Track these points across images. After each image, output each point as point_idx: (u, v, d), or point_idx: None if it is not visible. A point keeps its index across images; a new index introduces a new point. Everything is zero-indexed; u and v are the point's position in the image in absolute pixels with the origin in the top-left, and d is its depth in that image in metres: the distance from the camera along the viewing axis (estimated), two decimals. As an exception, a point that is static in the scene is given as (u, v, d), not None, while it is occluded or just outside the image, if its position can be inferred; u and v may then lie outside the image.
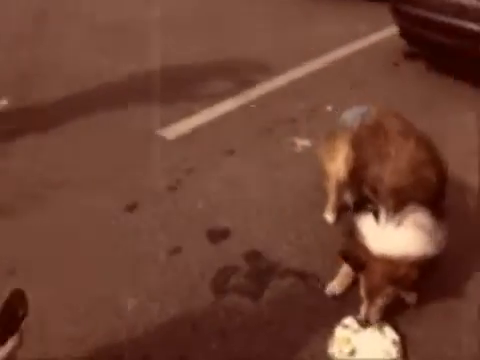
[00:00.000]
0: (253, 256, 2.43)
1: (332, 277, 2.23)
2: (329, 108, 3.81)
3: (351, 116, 2.38)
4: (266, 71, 4.38)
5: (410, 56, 4.73)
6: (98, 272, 2.31)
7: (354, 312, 2.04)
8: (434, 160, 2.01)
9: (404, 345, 1.95)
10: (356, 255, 1.91)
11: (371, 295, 1.90)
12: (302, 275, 2.32)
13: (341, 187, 2.43)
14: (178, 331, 2.04)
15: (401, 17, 4.26)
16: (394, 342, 1.94)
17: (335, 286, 2.21)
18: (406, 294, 2.09)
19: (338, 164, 2.33)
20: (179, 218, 2.69)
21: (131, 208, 2.76)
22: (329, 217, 2.64)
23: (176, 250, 2.47)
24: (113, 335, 2.01)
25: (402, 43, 4.81)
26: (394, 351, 1.91)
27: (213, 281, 2.29)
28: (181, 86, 4.08)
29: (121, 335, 2.01)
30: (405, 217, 1.84)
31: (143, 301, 2.17)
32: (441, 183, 2.00)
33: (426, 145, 2.04)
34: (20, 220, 2.61)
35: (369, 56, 4.79)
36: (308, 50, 4.83)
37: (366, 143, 2.13)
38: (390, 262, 1.81)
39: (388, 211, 1.86)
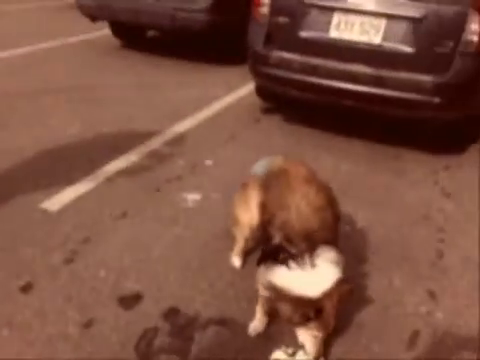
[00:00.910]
0: (171, 313, 2.43)
1: (251, 317, 2.35)
2: (208, 162, 4.04)
3: (261, 166, 2.56)
4: (139, 135, 4.47)
5: (267, 111, 5.29)
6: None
7: (279, 344, 2.18)
8: (331, 202, 2.26)
9: (328, 365, 2.14)
10: (302, 313, 1.98)
11: (326, 329, 2.03)
12: (223, 322, 2.38)
13: (252, 234, 2.58)
14: (112, 406, 1.93)
15: (260, 76, 4.75)
16: (320, 362, 2.11)
17: (256, 325, 2.32)
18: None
19: (251, 212, 2.46)
20: (83, 290, 2.56)
21: (26, 289, 2.54)
22: (236, 261, 2.76)
23: (88, 323, 2.34)
24: None
25: (258, 101, 5.37)
26: (322, 372, 2.07)
27: (136, 347, 2.22)
28: (57, 157, 3.94)
29: None
30: (319, 256, 2.00)
31: (65, 384, 2.01)
32: (337, 224, 2.25)
33: (324, 190, 2.28)
34: None
35: (232, 115, 5.21)
36: (173, 113, 5.07)
37: (272, 190, 2.30)
38: (330, 295, 1.94)
39: (302, 254, 1.99)
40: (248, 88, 5.79)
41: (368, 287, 2.68)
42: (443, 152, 4.46)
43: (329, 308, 1.96)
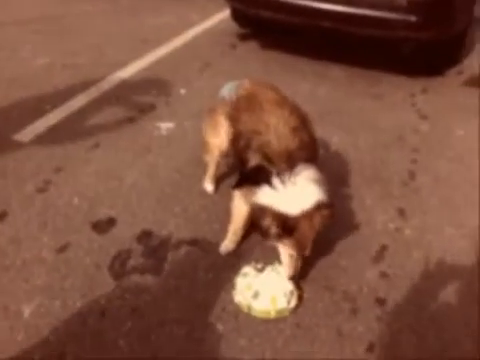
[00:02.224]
0: (144, 236, 2.47)
1: (223, 237, 2.40)
2: (182, 91, 3.96)
3: (227, 90, 2.51)
4: (111, 64, 4.33)
5: (244, 38, 5.12)
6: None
7: (249, 261, 2.25)
8: (306, 124, 2.25)
9: (296, 278, 2.21)
10: (278, 223, 1.96)
11: (302, 250, 2.04)
12: (195, 242, 2.44)
13: (222, 158, 2.59)
14: (88, 322, 2.00)
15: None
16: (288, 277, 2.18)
17: (227, 244, 2.38)
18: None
19: (220, 136, 2.46)
20: (57, 217, 2.57)
21: (0, 218, 2.55)
22: (209, 187, 2.79)
23: (63, 248, 2.37)
24: (15, 346, 1.89)
25: (235, 27, 5.18)
26: (290, 284, 2.14)
27: (110, 268, 2.27)
28: (27, 90, 3.82)
29: (24, 342, 1.91)
30: (298, 174, 2.01)
31: (41, 303, 2.07)
32: (315, 143, 2.26)
33: (297, 112, 2.26)
34: None
35: (207, 41, 5.06)
36: (148, 41, 4.91)
37: (245, 114, 2.26)
38: (308, 215, 1.95)
39: (282, 173, 2.00)
40: (223, 15, 5.58)
41: (339, 207, 2.72)
42: (421, 75, 4.41)
43: (305, 228, 1.97)
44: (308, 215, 1.96)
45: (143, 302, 2.10)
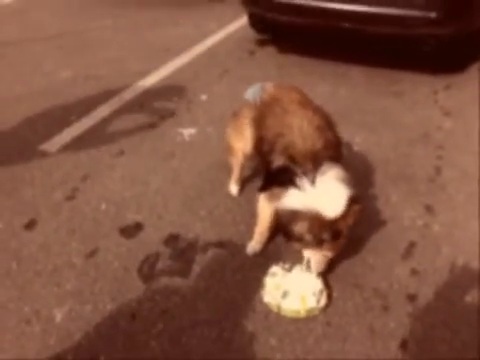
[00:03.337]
0: (171, 239, 2.49)
1: (249, 239, 2.40)
2: (203, 97, 4.00)
3: (252, 93, 2.53)
4: (132, 75, 4.41)
5: (262, 44, 5.15)
6: (11, 293, 2.17)
7: (277, 261, 2.24)
8: (330, 124, 2.25)
9: (325, 277, 2.20)
10: (306, 227, 1.95)
11: (339, 250, 2.05)
12: (221, 244, 2.45)
13: (246, 161, 2.61)
14: (119, 324, 2.03)
15: (255, 5, 4.58)
16: (317, 276, 2.17)
17: (254, 245, 2.38)
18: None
19: (245, 140, 2.47)
20: (85, 223, 2.62)
21: (30, 226, 2.61)
22: (234, 189, 2.80)
23: (92, 253, 2.41)
24: (48, 350, 1.92)
25: (252, 34, 5.22)
26: (319, 283, 2.13)
27: (139, 271, 2.30)
28: (52, 102, 3.92)
29: (57, 346, 1.94)
30: (324, 174, 1.99)
31: (72, 308, 2.10)
32: (339, 143, 2.25)
33: (320, 112, 2.27)
34: None
35: (226, 49, 5.09)
36: (167, 51, 4.98)
37: (269, 118, 2.27)
38: (344, 215, 1.93)
39: (308, 173, 1.98)
40: (241, 22, 5.63)
41: (365, 205, 2.70)
42: (443, 72, 4.35)
43: (343, 228, 1.96)
44: (344, 214, 1.94)
45: (173, 304, 2.11)
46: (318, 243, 1.98)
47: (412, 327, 2.00)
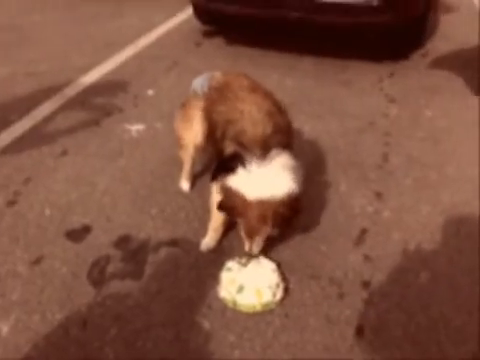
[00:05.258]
0: (122, 241, 2.40)
1: (203, 235, 2.35)
2: (150, 92, 3.89)
3: (199, 83, 2.47)
4: (74, 70, 4.23)
5: (209, 35, 5.08)
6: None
7: (232, 257, 2.21)
8: (280, 110, 2.22)
9: (281, 270, 2.19)
10: (233, 203, 1.98)
11: (251, 235, 2.03)
12: (175, 242, 2.39)
13: (197, 153, 2.55)
14: (70, 333, 1.93)
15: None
16: (273, 270, 2.14)
17: (208, 242, 2.33)
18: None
19: (194, 130, 2.42)
20: (29, 229, 2.48)
21: (-31, 235, 2.45)
22: (185, 185, 2.73)
23: (37, 260, 2.29)
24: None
25: (199, 25, 5.13)
26: (275, 277, 2.11)
27: (89, 276, 2.20)
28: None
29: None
30: (271, 160, 1.98)
31: (18, 318, 1.98)
32: (290, 128, 2.23)
33: (271, 98, 2.25)
34: None
35: (172, 41, 4.99)
36: (111, 44, 4.81)
37: (219, 104, 2.23)
38: (263, 203, 1.93)
39: (255, 157, 1.97)
40: (187, 13, 5.53)
41: (315, 193, 2.72)
42: (387, 60, 4.45)
43: (255, 215, 1.95)
44: (263, 204, 1.93)
45: (126, 308, 2.04)
46: (232, 215, 2.03)
47: (367, 313, 2.03)
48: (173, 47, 4.80)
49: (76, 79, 4.07)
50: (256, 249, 2.08)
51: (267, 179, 1.97)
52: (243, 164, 1.98)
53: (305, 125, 3.36)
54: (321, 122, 3.45)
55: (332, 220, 2.54)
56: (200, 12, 4.86)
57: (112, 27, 5.35)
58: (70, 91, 3.87)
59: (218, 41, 4.94)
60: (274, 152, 2.00)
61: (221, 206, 2.04)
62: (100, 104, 3.70)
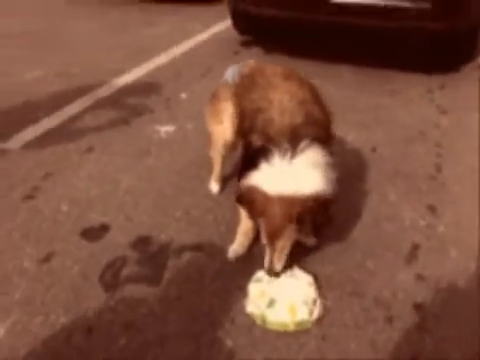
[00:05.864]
0: (141, 242, 2.17)
1: (231, 241, 2.09)
2: (183, 95, 3.72)
3: (231, 73, 2.26)
4: (107, 73, 4.12)
5: (247, 45, 4.92)
6: None
7: (263, 266, 1.92)
8: (318, 99, 1.98)
9: (319, 284, 1.89)
10: (252, 198, 1.74)
11: (272, 238, 1.75)
12: (199, 247, 2.13)
13: (227, 150, 2.32)
14: (73, 339, 1.68)
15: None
16: (309, 283, 1.86)
17: (236, 248, 2.06)
18: (306, 238, 2.06)
19: (224, 123, 2.20)
20: (43, 225, 2.28)
21: (-20, 229, 2.27)
22: (214, 187, 2.50)
23: (47, 257, 2.08)
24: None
25: (237, 36, 5.00)
26: (312, 291, 1.82)
27: (101, 278, 1.96)
28: (20, 100, 3.60)
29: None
30: (300, 154, 1.74)
31: (18, 320, 1.76)
32: (328, 122, 1.98)
33: (308, 86, 2.01)
34: None
35: (208, 50, 4.86)
36: (145, 51, 4.73)
37: (249, 91, 2.01)
38: (286, 200, 1.68)
39: (281, 150, 1.74)
40: (225, 24, 5.40)
41: (359, 202, 2.42)
42: (438, 71, 4.14)
43: (278, 214, 1.69)
44: (286, 201, 1.67)
45: (139, 316, 1.78)
46: (251, 215, 1.79)
47: (421, 340, 1.70)
48: (209, 55, 4.65)
49: (108, 81, 3.96)
50: (278, 264, 1.79)
51: (291, 174, 1.71)
52: (266, 157, 1.74)
53: (348, 134, 3.07)
54: (366, 131, 3.17)
55: (379, 233, 2.23)
56: (238, 20, 4.71)
57: (145, 35, 5.30)
58: (101, 92, 3.75)
59: (256, 50, 4.77)
60: (304, 145, 1.74)
61: (239, 199, 1.78)
62: (131, 104, 3.55)
